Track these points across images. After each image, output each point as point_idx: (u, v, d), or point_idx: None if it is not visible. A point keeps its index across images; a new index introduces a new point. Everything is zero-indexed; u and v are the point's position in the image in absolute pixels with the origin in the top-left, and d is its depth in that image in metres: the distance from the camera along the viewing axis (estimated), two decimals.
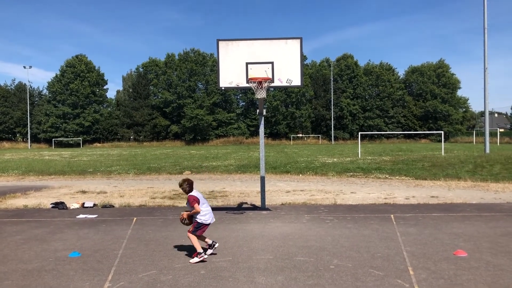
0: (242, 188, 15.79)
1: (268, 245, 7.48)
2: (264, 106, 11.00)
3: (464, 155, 28.36)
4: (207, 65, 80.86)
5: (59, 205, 11.76)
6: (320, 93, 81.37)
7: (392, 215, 9.98)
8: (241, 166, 24.21)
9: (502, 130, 79.31)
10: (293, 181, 17.83)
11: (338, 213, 10.44)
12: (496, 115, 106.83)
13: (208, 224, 6.88)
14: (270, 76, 10.44)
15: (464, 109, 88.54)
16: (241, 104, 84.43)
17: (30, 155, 44.84)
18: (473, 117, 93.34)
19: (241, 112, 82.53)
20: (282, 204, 11.97)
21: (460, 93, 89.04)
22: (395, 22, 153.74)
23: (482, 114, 67.21)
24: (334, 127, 79.58)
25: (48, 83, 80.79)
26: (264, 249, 7.19)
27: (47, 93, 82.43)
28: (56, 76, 79.95)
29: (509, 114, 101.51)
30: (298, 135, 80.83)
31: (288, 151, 43.43)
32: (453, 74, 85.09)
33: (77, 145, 77.06)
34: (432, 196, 13.03)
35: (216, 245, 6.84)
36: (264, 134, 12.45)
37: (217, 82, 10.83)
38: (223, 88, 10.90)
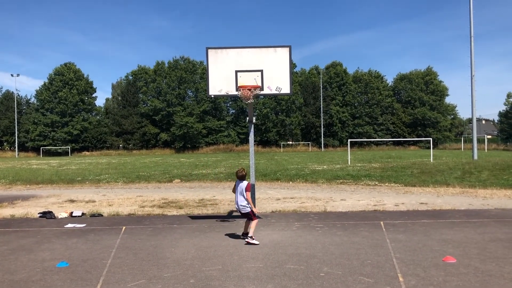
0: (232, 196, 15.69)
1: (258, 253, 7.46)
2: (254, 113, 11.03)
3: (452, 162, 28.61)
4: (197, 73, 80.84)
5: (47, 215, 11.63)
6: (310, 100, 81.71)
7: (381, 222, 10.01)
8: (231, 174, 24.16)
9: (489, 136, 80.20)
10: (283, 189, 17.83)
11: (328, 220, 10.46)
12: (483, 122, 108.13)
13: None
14: (260, 84, 10.47)
15: (452, 116, 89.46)
16: (231, 111, 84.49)
17: (18, 164, 44.35)
18: (461, 124, 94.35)
19: (231, 119, 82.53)
20: (272, 211, 11.96)
21: (448, 100, 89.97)
22: (384, 31, 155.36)
23: (469, 121, 67.97)
24: (324, 134, 79.88)
25: (36, 91, 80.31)
26: (254, 257, 7.16)
27: (35, 102, 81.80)
28: (44, 84, 79.41)
29: (496, 121, 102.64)
30: (288, 142, 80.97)
31: (278, 159, 43.48)
32: (441, 82, 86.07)
33: (65, 153, 76.37)
34: (421, 203, 13.11)
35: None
36: (254, 141, 12.42)
37: (206, 90, 10.83)
38: (212, 96, 10.91)
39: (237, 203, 8.50)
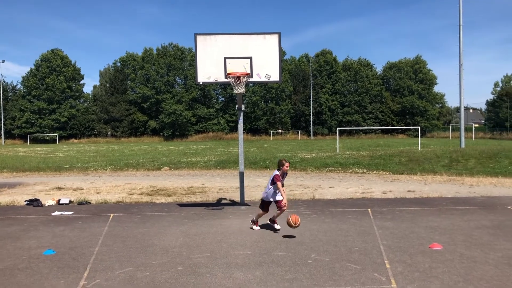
0: (221, 184, 15.75)
1: (247, 240, 7.47)
2: (244, 101, 10.97)
3: (440, 150, 28.84)
4: (186, 60, 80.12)
5: (33, 202, 11.53)
6: (300, 88, 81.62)
7: (369, 209, 10.09)
8: (220, 162, 24.14)
9: (476, 125, 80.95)
10: None
11: (317, 207, 10.50)
12: (471, 110, 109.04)
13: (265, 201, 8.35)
14: (249, 71, 10.40)
15: (440, 105, 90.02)
16: (220, 99, 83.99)
17: (4, 151, 43.83)
18: (449, 112, 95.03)
19: (221, 107, 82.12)
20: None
21: (436, 89, 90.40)
22: (373, 19, 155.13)
23: (457, 109, 68.57)
24: (313, 122, 79.97)
25: (23, 77, 78.85)
26: (242, 245, 7.18)
27: (21, 88, 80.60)
28: (31, 70, 78.16)
29: (483, 110, 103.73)
30: (277, 130, 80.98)
31: (267, 147, 43.51)
32: (429, 70, 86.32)
33: (53, 141, 75.60)
34: (409, 191, 13.22)
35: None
36: (244, 129, 12.47)
37: (195, 77, 10.73)
38: (201, 83, 10.81)
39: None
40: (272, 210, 8.51)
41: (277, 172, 8.09)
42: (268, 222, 8.57)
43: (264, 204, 8.30)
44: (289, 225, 7.62)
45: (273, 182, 8.06)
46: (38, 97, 76.74)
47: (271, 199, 8.20)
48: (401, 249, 6.73)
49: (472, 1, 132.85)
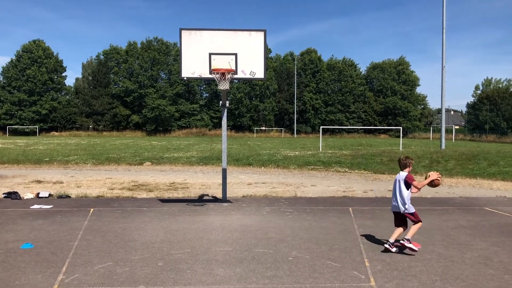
0: (203, 180, 15.71)
1: (228, 237, 7.47)
2: (228, 98, 10.94)
3: (421, 151, 29.25)
4: (170, 55, 79.52)
5: (12, 195, 11.33)
6: (284, 86, 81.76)
7: (350, 208, 10.17)
8: (203, 158, 24.07)
9: (457, 127, 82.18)
10: (255, 174, 17.88)
11: (298, 205, 10.55)
12: (452, 112, 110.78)
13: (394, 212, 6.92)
14: (234, 68, 10.37)
15: (422, 106, 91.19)
16: (204, 95, 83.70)
17: None
18: (431, 114, 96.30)
19: (205, 103, 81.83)
20: (243, 196, 11.99)
21: (419, 90, 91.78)
22: (358, 19, 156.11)
23: (439, 111, 69.51)
24: (296, 120, 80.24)
25: (3, 68, 77.30)
26: (223, 241, 7.17)
27: (1, 79, 79.00)
28: (12, 61, 76.58)
29: (464, 112, 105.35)
30: (261, 128, 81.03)
31: (251, 144, 43.51)
32: (412, 72, 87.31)
33: (33, 133, 74.37)
34: (389, 190, 13.33)
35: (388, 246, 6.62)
36: (228, 126, 12.43)
37: (179, 72, 10.66)
38: (185, 78, 10.74)
39: (392, 201, 6.85)
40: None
41: (406, 172, 6.68)
42: (397, 244, 6.65)
43: (399, 218, 6.77)
44: (435, 185, 6.59)
45: (408, 184, 6.56)
46: (18, 88, 75.35)
47: (405, 210, 6.60)
48: (380, 248, 6.80)
49: (455, 5, 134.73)
